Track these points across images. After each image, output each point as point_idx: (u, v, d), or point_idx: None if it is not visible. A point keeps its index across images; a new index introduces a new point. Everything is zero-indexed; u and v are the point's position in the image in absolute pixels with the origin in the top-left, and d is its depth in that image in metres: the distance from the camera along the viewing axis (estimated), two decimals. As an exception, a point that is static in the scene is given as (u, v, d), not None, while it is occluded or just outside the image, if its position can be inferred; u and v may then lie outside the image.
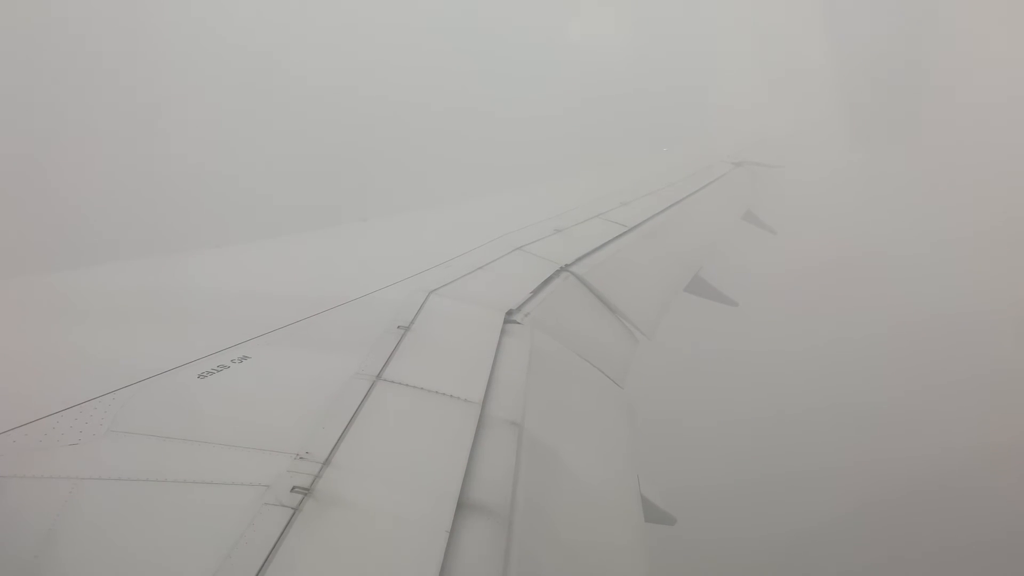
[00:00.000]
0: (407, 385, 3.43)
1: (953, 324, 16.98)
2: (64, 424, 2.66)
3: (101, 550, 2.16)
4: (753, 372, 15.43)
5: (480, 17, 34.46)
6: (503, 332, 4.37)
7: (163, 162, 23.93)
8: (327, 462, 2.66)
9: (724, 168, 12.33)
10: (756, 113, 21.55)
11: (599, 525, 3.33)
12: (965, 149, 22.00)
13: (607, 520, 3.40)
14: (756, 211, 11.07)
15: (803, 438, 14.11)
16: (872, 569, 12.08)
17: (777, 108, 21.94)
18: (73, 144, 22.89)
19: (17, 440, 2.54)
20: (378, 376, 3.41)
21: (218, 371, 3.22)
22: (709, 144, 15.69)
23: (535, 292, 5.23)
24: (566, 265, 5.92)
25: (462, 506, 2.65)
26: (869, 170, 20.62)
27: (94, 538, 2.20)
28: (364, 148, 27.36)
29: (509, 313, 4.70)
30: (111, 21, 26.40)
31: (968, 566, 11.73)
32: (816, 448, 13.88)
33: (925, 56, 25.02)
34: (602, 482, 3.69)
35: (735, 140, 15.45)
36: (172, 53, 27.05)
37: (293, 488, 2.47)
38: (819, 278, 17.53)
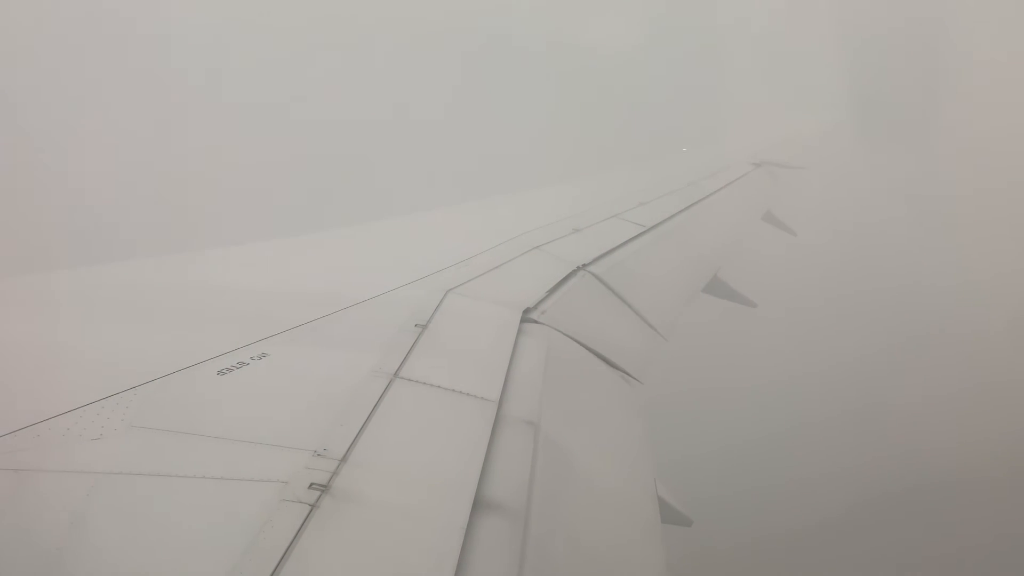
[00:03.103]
0: (424, 383, 3.44)
1: (977, 327, 16.79)
2: (86, 419, 2.70)
3: (122, 543, 2.19)
4: (771, 374, 15.33)
5: (500, 15, 34.48)
6: (520, 331, 4.37)
7: (184, 160, 24.15)
8: (345, 459, 2.68)
9: (744, 168, 12.25)
10: (776, 113, 21.40)
11: (615, 525, 3.33)
12: (990, 149, 21.72)
13: (623, 520, 3.39)
14: (776, 212, 10.99)
15: (821, 441, 14.01)
16: (889, 573, 11.98)
17: (798, 108, 21.76)
18: (95, 141, 23.17)
19: (41, 434, 2.57)
20: (395, 374, 3.43)
21: (237, 368, 3.25)
22: (729, 144, 15.60)
23: (552, 291, 5.22)
24: (584, 264, 5.91)
25: (478, 504, 2.65)
26: (890, 171, 20.41)
27: (115, 531, 2.23)
28: (383, 147, 27.46)
29: (526, 312, 4.71)
30: (124, 22, 26.69)
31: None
32: (834, 451, 13.77)
33: (950, 56, 24.73)
34: (618, 482, 3.68)
35: (755, 140, 15.35)
36: (189, 50, 27.30)
37: (311, 485, 2.49)
38: (839, 280, 17.38)
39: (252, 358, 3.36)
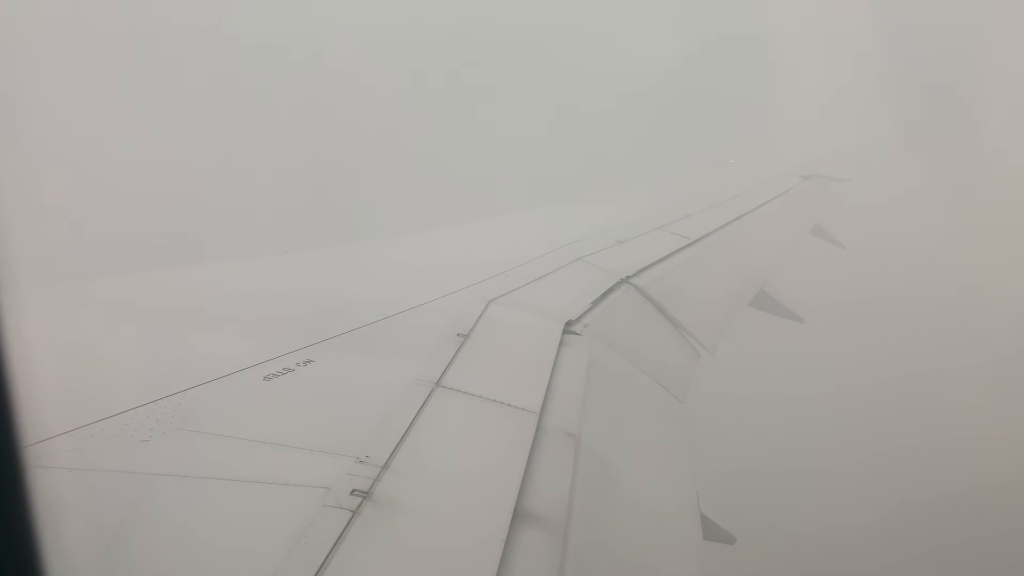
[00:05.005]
0: (466, 393, 3.45)
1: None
2: (137, 421, 2.76)
3: (168, 544, 2.23)
4: (818, 390, 15.02)
5: (548, 27, 34.63)
6: (562, 342, 4.35)
7: (234, 169, 24.69)
8: (386, 466, 2.69)
9: (792, 181, 12.09)
10: (826, 125, 21.08)
11: (656, 541, 3.29)
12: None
13: (665, 536, 3.35)
14: (824, 225, 10.81)
15: (870, 460, 13.66)
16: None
17: (847, 120, 21.41)
18: (151, 151, 23.81)
19: (93, 434, 2.64)
20: (437, 383, 3.44)
21: (283, 374, 3.30)
22: (777, 156, 15.41)
23: (595, 303, 5.20)
24: (627, 277, 5.87)
25: (518, 515, 2.64)
26: (939, 184, 19.92)
27: (162, 532, 2.27)
28: (430, 157, 27.72)
29: (568, 323, 4.69)
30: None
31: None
32: (884, 471, 13.42)
33: (1000, 68, 24.10)
34: (660, 497, 3.64)
35: (804, 152, 15.13)
36: (243, 59, 27.86)
37: (353, 491, 2.50)
38: (888, 294, 16.99)
39: (298, 364, 3.41)
